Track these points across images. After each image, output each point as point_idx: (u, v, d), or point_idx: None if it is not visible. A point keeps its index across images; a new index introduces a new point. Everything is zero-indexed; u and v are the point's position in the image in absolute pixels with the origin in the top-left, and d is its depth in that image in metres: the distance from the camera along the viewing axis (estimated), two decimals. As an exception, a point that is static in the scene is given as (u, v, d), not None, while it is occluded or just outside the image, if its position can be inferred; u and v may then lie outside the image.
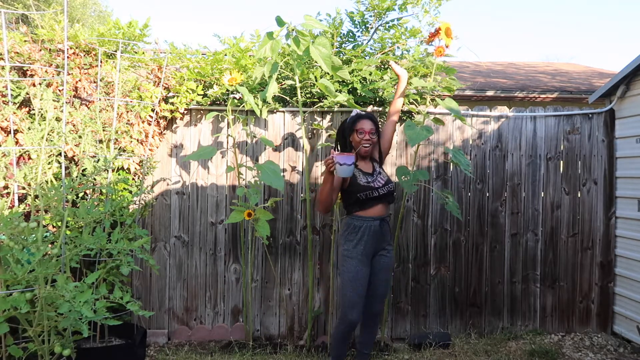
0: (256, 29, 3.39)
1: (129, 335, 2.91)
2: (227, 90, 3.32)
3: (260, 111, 3.22)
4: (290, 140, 3.49)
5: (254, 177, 3.36)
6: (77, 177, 2.65)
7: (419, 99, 3.35)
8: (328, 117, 3.49)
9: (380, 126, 3.37)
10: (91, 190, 2.93)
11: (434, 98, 3.17)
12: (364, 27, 3.62)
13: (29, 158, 2.80)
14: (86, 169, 2.79)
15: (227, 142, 3.46)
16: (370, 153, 2.73)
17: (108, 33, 3.26)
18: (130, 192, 3.13)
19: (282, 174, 3.24)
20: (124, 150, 3.13)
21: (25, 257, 1.92)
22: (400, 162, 3.53)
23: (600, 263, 3.62)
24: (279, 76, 3.44)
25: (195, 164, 3.44)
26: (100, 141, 3.00)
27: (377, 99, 3.46)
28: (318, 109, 3.41)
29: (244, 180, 3.39)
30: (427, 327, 3.55)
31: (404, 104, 3.45)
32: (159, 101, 3.25)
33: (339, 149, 2.79)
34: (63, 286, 1.98)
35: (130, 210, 3.07)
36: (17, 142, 2.84)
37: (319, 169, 3.48)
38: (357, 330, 2.88)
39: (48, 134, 2.65)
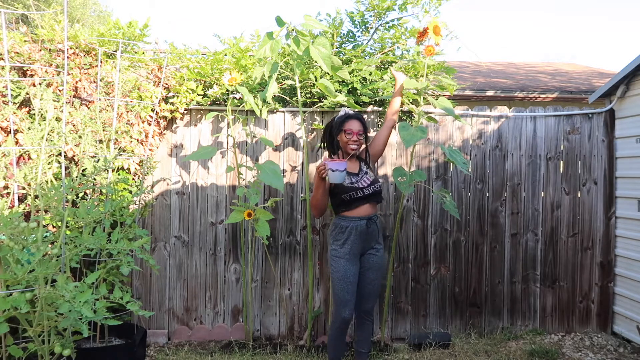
0: (256, 29, 3.39)
1: (129, 335, 2.91)
2: (227, 90, 3.32)
3: (260, 111, 3.22)
4: (290, 140, 3.49)
5: (254, 177, 3.36)
6: (77, 177, 2.65)
7: (418, 99, 3.35)
8: (328, 117, 3.49)
9: (375, 126, 3.39)
10: (91, 190, 2.93)
11: (425, 97, 3.17)
12: (364, 27, 3.63)
13: (29, 158, 2.80)
14: (86, 169, 2.79)
15: (227, 142, 3.46)
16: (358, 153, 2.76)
17: (108, 33, 3.27)
18: (130, 192, 3.13)
19: (282, 174, 3.24)
20: (124, 150, 3.13)
21: (25, 257, 1.92)
22: (400, 162, 3.53)
23: (600, 263, 3.62)
24: (279, 76, 3.44)
25: (195, 164, 3.44)
26: (100, 141, 3.00)
27: (377, 99, 3.46)
28: (318, 109, 3.41)
29: (244, 180, 3.39)
30: (427, 327, 3.55)
31: (403, 105, 3.45)
32: (159, 101, 3.25)
33: (326, 146, 2.83)
34: (63, 286, 1.97)
35: (130, 210, 3.07)
36: (17, 142, 2.84)
37: (319, 169, 3.47)
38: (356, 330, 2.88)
39: (48, 134, 2.65)
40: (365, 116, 3.49)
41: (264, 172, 2.86)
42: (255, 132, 3.46)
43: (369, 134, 3.43)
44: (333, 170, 2.42)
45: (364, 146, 2.78)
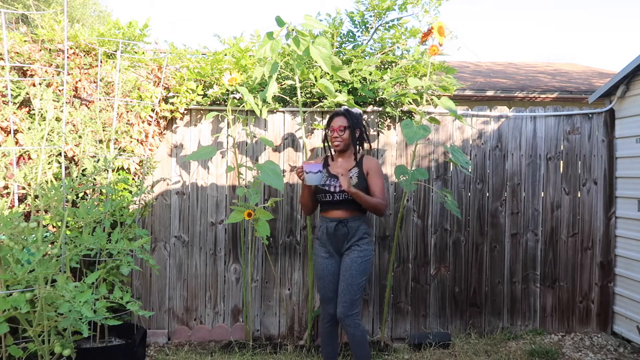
0: (256, 29, 3.39)
1: (129, 335, 2.90)
2: (227, 90, 3.32)
3: (260, 111, 3.22)
4: (290, 140, 3.49)
5: (254, 177, 3.36)
6: (77, 177, 2.65)
7: (419, 99, 3.35)
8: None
9: (374, 126, 3.40)
10: (91, 190, 2.93)
11: (431, 98, 3.18)
12: (364, 27, 3.63)
13: (29, 158, 2.80)
14: (86, 169, 2.78)
15: (227, 142, 3.46)
16: (345, 149, 2.71)
17: (108, 33, 3.27)
18: (130, 192, 3.13)
19: (282, 174, 3.24)
20: (124, 150, 3.13)
21: (25, 257, 1.92)
22: (400, 162, 3.53)
23: (600, 263, 3.62)
24: (279, 76, 3.44)
25: (195, 164, 3.44)
26: (100, 141, 3.00)
27: (377, 99, 3.46)
28: (318, 109, 3.41)
29: (244, 180, 3.39)
30: (427, 327, 3.55)
31: (404, 105, 3.45)
32: (159, 101, 3.25)
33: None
34: (63, 286, 1.97)
35: (130, 210, 3.07)
36: (17, 142, 2.84)
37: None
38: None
39: (48, 134, 2.65)
40: (365, 116, 3.49)
41: (264, 172, 2.85)
42: (255, 132, 3.46)
43: (366, 131, 3.34)
44: (307, 172, 2.49)
45: (364, 148, 2.77)
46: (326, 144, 2.83)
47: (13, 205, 2.65)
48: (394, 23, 3.56)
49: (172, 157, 3.44)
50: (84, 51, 3.21)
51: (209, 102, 3.39)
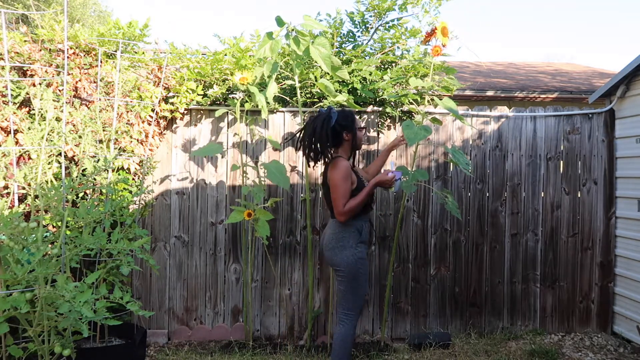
0: (256, 29, 3.39)
1: (129, 335, 2.90)
2: (229, 88, 3.33)
3: (261, 111, 3.22)
4: (291, 141, 3.49)
5: (257, 177, 3.36)
6: (77, 177, 2.65)
7: (419, 99, 3.35)
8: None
9: (374, 126, 3.40)
10: (91, 190, 2.93)
11: (432, 98, 3.18)
12: (364, 27, 3.63)
13: (29, 158, 2.80)
14: (86, 169, 2.79)
15: (227, 142, 3.46)
16: None
17: (108, 33, 3.27)
18: (130, 192, 3.13)
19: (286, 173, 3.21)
20: (124, 150, 3.13)
21: (25, 257, 1.92)
22: (400, 162, 3.53)
23: (600, 263, 3.62)
24: (279, 76, 3.44)
25: (195, 164, 3.44)
26: (100, 141, 3.00)
27: (377, 99, 3.46)
28: (318, 109, 3.40)
29: (248, 179, 3.39)
30: (427, 327, 3.55)
31: (404, 105, 3.46)
32: (159, 101, 3.25)
33: (330, 144, 2.52)
34: (63, 286, 1.97)
35: (130, 210, 3.07)
36: (17, 142, 2.84)
37: (318, 169, 3.47)
38: (358, 330, 2.87)
39: (48, 134, 2.65)
40: (365, 116, 3.50)
41: (270, 172, 2.87)
42: (255, 131, 3.46)
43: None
44: (397, 179, 2.52)
45: None
46: (324, 144, 2.58)
47: (13, 205, 2.65)
48: (394, 23, 3.56)
49: (172, 157, 3.44)
50: (84, 51, 3.21)
51: (208, 102, 3.39)
